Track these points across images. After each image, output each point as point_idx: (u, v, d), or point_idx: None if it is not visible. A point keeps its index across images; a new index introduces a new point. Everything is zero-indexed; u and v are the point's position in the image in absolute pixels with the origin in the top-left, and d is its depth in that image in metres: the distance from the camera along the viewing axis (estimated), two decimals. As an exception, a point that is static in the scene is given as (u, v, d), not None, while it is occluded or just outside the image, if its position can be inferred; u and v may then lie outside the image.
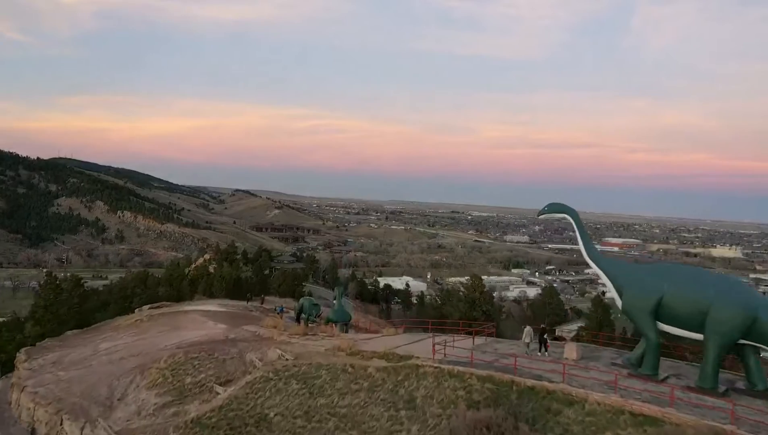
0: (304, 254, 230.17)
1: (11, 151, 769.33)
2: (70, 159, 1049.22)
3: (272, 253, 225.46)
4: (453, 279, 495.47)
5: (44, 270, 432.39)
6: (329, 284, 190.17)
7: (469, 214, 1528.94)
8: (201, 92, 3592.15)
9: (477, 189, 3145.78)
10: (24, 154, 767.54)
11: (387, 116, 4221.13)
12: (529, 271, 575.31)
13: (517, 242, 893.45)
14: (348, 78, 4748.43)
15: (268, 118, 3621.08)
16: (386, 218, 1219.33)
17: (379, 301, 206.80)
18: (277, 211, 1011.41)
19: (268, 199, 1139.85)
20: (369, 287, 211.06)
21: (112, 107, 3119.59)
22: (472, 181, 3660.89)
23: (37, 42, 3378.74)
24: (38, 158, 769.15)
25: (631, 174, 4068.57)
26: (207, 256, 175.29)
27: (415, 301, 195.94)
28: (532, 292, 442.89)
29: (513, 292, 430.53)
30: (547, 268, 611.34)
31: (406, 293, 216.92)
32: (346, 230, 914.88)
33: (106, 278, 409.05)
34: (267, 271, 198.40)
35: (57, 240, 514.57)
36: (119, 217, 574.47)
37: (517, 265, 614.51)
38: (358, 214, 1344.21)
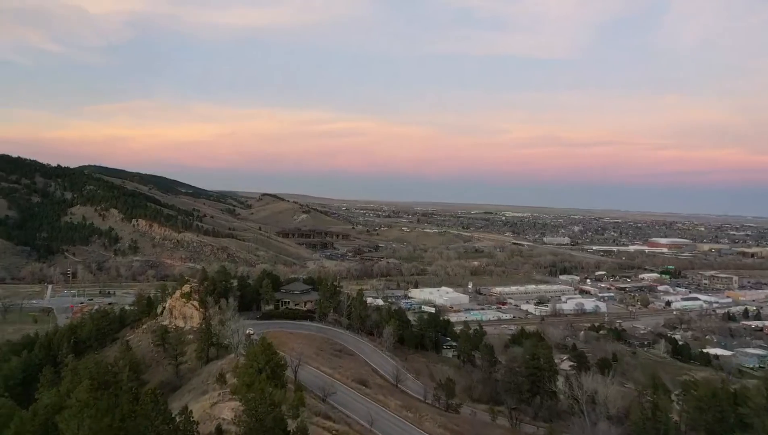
0: (322, 279, 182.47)
1: (31, 158, 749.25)
2: (96, 166, 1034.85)
3: (279, 278, 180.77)
4: (498, 289, 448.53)
5: (48, 285, 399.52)
6: (356, 327, 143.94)
7: (503, 215, 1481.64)
8: (228, 98, 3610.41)
9: (508, 189, 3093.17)
10: (47, 162, 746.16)
11: (415, 118, 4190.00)
12: (579, 278, 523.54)
13: (558, 244, 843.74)
14: (376, 81, 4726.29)
15: (295, 121, 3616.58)
16: (417, 220, 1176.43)
17: (426, 346, 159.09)
18: (304, 215, 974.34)
19: (295, 202, 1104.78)
20: (412, 327, 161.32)
21: (140, 114, 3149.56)
22: (503, 181, 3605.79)
23: (67, 52, 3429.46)
24: (58, 165, 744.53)
25: (660, 171, 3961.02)
26: (186, 289, 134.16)
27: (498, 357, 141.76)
28: (589, 303, 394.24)
29: (568, 304, 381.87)
30: (597, 273, 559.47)
31: (473, 337, 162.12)
32: (377, 234, 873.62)
33: (114, 295, 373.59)
34: (272, 306, 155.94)
35: (67, 252, 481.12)
36: (134, 225, 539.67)
37: (564, 271, 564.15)
38: (388, 216, 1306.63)
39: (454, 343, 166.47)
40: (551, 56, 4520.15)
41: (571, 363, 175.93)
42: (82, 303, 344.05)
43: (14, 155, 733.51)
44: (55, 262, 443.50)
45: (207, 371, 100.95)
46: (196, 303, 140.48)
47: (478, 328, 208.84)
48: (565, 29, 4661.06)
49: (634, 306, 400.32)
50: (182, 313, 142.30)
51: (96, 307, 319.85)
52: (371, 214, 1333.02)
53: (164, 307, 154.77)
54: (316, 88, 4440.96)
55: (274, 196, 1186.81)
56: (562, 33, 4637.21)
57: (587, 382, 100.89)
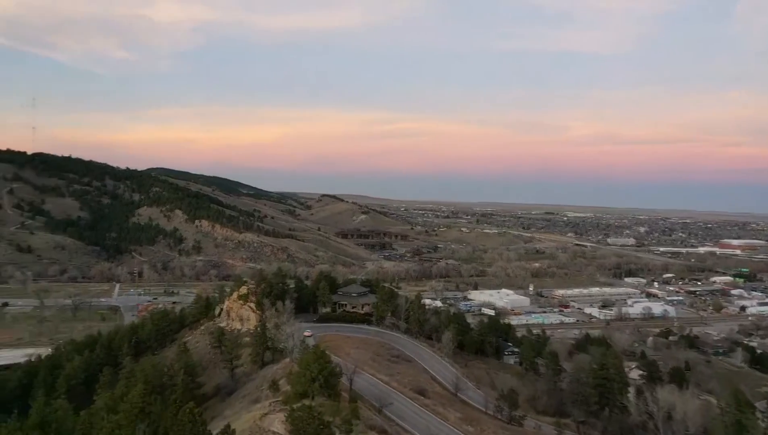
0: (379, 281, 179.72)
1: (102, 161, 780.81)
2: (162, 168, 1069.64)
3: (336, 280, 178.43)
4: (560, 291, 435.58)
5: (116, 284, 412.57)
6: (414, 331, 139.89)
7: (565, 216, 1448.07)
8: (290, 100, 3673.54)
9: (570, 188, 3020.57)
10: (117, 165, 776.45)
11: (475, 117, 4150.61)
12: (645, 281, 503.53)
13: (623, 245, 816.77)
14: (435, 80, 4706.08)
15: (355, 122, 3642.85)
16: (477, 221, 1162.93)
17: (487, 351, 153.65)
18: (363, 216, 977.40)
19: (354, 203, 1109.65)
20: (472, 331, 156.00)
21: (204, 118, 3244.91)
22: (565, 180, 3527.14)
23: (137, 59, 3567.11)
24: (127, 168, 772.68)
25: (731, 169, 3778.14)
26: (243, 290, 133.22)
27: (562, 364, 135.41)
28: (657, 308, 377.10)
29: (634, 308, 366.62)
30: (665, 276, 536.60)
31: (536, 343, 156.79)
32: (436, 235, 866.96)
33: (177, 294, 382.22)
34: (329, 309, 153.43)
35: (134, 252, 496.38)
36: (197, 226, 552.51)
37: (630, 273, 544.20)
38: (447, 217, 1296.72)
39: (516, 349, 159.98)
40: (614, 51, 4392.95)
41: (641, 372, 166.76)
42: (148, 302, 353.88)
43: (86, 159, 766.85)
44: (122, 262, 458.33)
45: (262, 376, 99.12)
46: (252, 305, 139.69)
47: (540, 332, 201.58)
48: (629, 24, 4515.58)
49: (706, 311, 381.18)
50: (239, 314, 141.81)
51: (160, 306, 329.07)
52: (430, 215, 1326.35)
53: (222, 309, 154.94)
54: (378, 88, 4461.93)
55: (334, 196, 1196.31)
56: (625, 28, 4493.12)
57: (663, 395, 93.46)
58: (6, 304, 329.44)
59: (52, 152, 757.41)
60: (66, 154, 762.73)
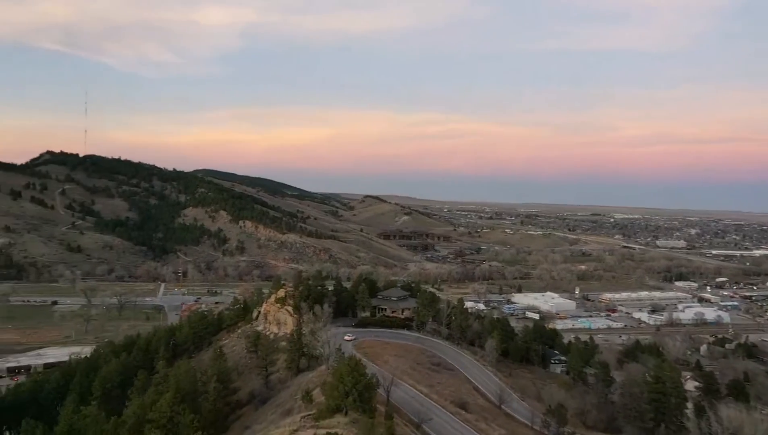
0: (420, 284, 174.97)
1: (151, 163, 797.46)
2: (208, 170, 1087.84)
3: (376, 283, 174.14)
4: (608, 295, 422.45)
5: (161, 284, 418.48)
6: (456, 337, 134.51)
7: (612, 217, 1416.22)
8: (336, 101, 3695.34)
9: (618, 189, 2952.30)
10: (164, 166, 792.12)
11: (520, 118, 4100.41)
12: (697, 285, 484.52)
13: (673, 248, 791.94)
14: (480, 81, 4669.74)
15: (398, 124, 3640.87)
16: (521, 222, 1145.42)
17: (532, 359, 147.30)
18: (405, 217, 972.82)
19: (397, 204, 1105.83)
20: (517, 337, 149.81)
21: (250, 119, 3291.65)
22: (612, 181, 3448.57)
23: (184, 62, 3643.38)
24: (174, 169, 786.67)
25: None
26: (280, 293, 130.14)
27: (612, 375, 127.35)
28: (710, 313, 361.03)
29: (685, 314, 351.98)
30: (717, 280, 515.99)
31: (584, 350, 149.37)
32: (479, 236, 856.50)
33: (220, 294, 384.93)
34: (368, 313, 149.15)
35: (180, 252, 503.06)
36: (240, 227, 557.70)
37: (681, 277, 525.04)
38: (490, 218, 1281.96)
39: (563, 358, 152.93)
40: (664, 49, 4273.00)
41: (697, 384, 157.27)
42: (195, 301, 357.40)
43: (135, 160, 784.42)
44: (168, 262, 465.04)
45: (296, 384, 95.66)
46: (290, 308, 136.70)
47: (588, 339, 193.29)
48: (682, 20, 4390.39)
49: (763, 317, 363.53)
50: (276, 318, 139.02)
51: (203, 306, 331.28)
52: (473, 216, 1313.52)
53: (259, 312, 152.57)
54: (423, 89, 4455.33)
55: (376, 197, 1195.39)
56: (678, 24, 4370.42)
57: (727, 413, 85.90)
58: (56, 303, 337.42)
59: (102, 154, 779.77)
60: (116, 156, 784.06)
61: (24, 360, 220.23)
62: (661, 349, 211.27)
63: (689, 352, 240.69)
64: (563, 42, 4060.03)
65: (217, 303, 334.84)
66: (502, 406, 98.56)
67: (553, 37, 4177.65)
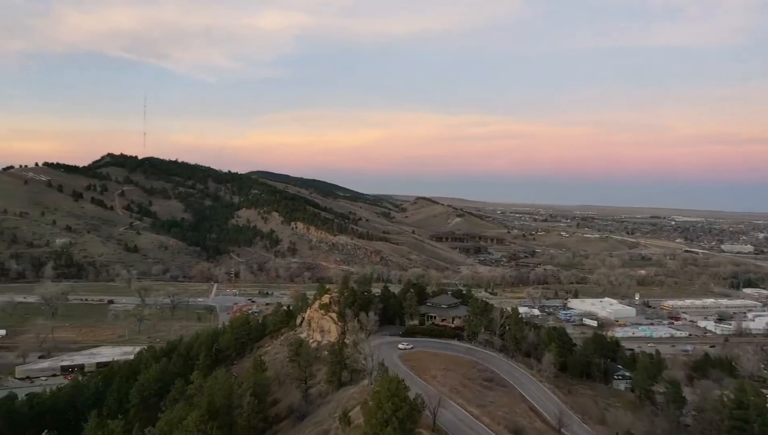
0: (471, 290, 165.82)
1: (206, 165, 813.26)
2: (263, 171, 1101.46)
3: (425, 290, 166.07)
4: (670, 302, 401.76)
5: (214, 284, 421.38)
6: (510, 349, 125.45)
7: (673, 220, 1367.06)
8: (388, 103, 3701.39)
9: (677, 191, 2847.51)
10: (219, 168, 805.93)
11: (576, 118, 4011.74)
12: (767, 292, 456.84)
13: (739, 253, 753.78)
14: (528, 82, 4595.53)
15: (451, 125, 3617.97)
16: (577, 225, 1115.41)
17: (593, 375, 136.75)
18: (458, 219, 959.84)
19: (449, 206, 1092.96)
20: (576, 349, 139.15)
21: (305, 122, 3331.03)
22: (672, 182, 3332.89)
23: (243, 67, 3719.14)
24: (228, 171, 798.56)
25: None
26: (325, 299, 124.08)
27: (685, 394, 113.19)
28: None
29: (756, 323, 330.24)
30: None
31: (650, 365, 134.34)
32: (533, 239, 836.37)
33: (271, 295, 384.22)
34: (417, 321, 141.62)
35: (232, 252, 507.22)
36: (292, 228, 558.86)
37: (749, 284, 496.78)
38: (545, 220, 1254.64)
39: (626, 373, 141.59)
40: (727, 44, 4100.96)
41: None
42: (249, 301, 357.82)
43: (191, 162, 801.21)
44: (221, 262, 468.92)
45: (337, 399, 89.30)
46: (334, 315, 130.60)
47: (654, 352, 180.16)
48: (741, 14, 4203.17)
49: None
50: (320, 325, 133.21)
51: (254, 307, 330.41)
52: (527, 218, 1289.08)
53: (303, 318, 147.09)
54: (475, 90, 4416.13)
55: (429, 199, 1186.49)
56: (737, 18, 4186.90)
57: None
58: (112, 302, 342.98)
59: (160, 156, 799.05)
60: (173, 159, 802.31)
61: (78, 359, 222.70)
62: (733, 363, 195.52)
63: (764, 368, 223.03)
64: (615, 39, 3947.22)
65: (267, 304, 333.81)
66: (562, 430, 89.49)
67: (603, 35, 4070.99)
